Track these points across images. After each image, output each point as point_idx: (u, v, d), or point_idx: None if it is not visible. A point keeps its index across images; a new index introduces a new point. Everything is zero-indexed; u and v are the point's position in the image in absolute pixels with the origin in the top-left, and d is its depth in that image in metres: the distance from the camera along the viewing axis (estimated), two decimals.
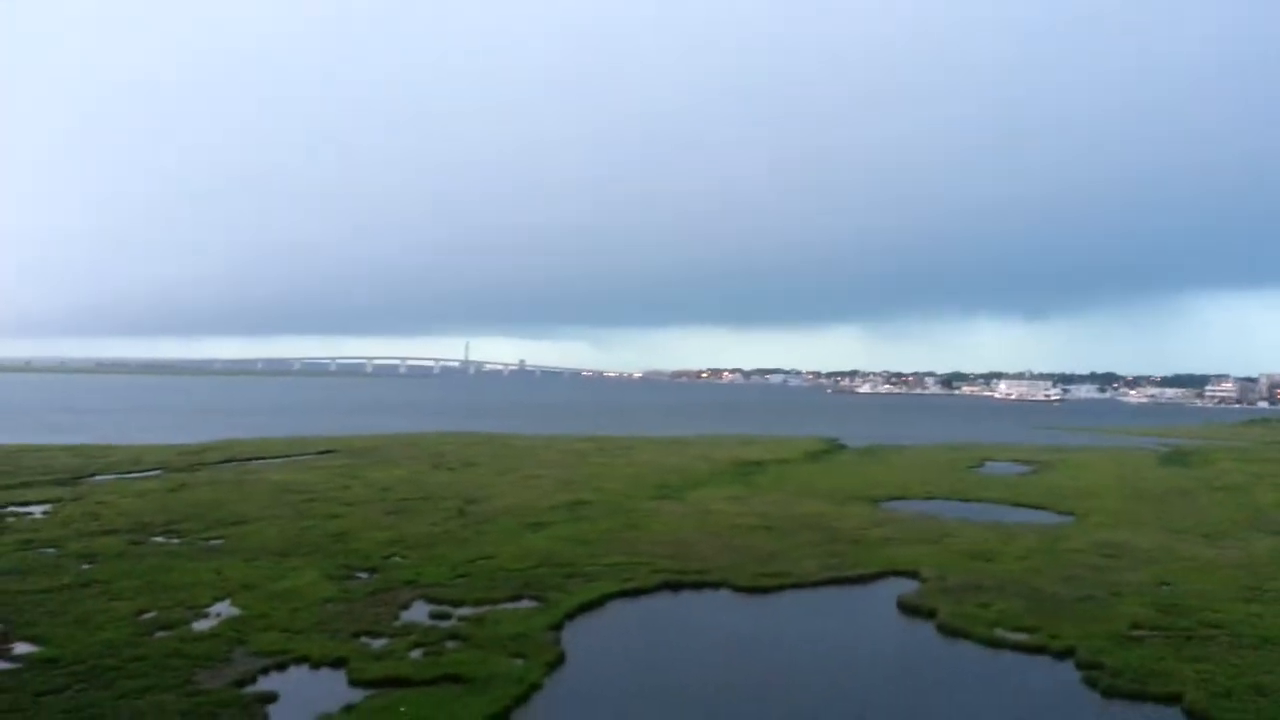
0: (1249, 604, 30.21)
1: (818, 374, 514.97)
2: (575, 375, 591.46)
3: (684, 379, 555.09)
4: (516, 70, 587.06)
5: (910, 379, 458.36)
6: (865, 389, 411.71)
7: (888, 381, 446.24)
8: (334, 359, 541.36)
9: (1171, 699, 21.90)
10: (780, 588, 32.24)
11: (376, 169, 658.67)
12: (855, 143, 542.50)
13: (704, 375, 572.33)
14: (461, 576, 31.98)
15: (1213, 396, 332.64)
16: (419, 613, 27.87)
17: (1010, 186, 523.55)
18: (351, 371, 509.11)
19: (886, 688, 23.18)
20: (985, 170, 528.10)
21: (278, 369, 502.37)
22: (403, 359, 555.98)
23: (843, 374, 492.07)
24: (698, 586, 32.37)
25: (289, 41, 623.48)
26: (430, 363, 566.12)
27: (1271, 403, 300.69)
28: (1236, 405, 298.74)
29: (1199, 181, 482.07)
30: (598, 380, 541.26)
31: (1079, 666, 24.23)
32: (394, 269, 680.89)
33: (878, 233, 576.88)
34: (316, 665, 23.40)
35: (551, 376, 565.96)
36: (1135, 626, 27.37)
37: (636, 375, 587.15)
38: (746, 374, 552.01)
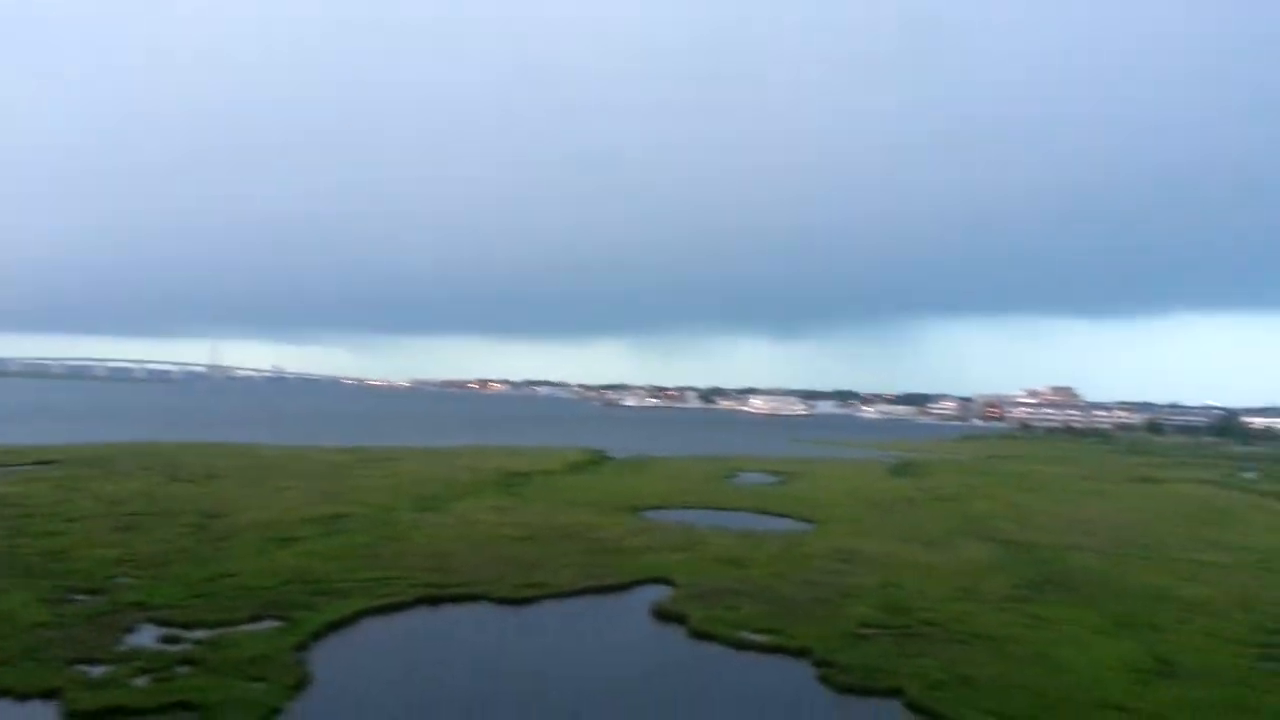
0: (961, 603, 33.50)
1: (586, 387, 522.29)
2: (335, 383, 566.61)
3: (452, 389, 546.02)
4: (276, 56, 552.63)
5: (673, 393, 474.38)
6: (631, 402, 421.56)
7: (653, 395, 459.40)
8: (59, 359, 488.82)
9: (894, 692, 23.90)
10: (540, 598, 32.39)
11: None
12: (625, 148, 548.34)
13: (472, 386, 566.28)
14: (198, 596, 29.79)
15: (935, 414, 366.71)
16: (147, 636, 25.67)
17: (761, 214, 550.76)
18: (79, 374, 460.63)
19: (637, 691, 23.88)
20: (740, 196, 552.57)
21: None
22: (140, 362, 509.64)
23: (610, 387, 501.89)
24: (457, 600, 31.91)
25: None
26: (172, 366, 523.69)
27: (984, 420, 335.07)
28: (956, 422, 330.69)
29: (926, 218, 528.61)
30: (360, 389, 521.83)
31: (814, 664, 25.98)
32: (128, 261, 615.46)
33: (643, 247, 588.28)
34: (23, 698, 21.07)
35: (309, 384, 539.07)
36: (864, 626, 29.68)
37: (403, 384, 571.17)
38: (515, 385, 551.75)
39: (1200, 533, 55.00)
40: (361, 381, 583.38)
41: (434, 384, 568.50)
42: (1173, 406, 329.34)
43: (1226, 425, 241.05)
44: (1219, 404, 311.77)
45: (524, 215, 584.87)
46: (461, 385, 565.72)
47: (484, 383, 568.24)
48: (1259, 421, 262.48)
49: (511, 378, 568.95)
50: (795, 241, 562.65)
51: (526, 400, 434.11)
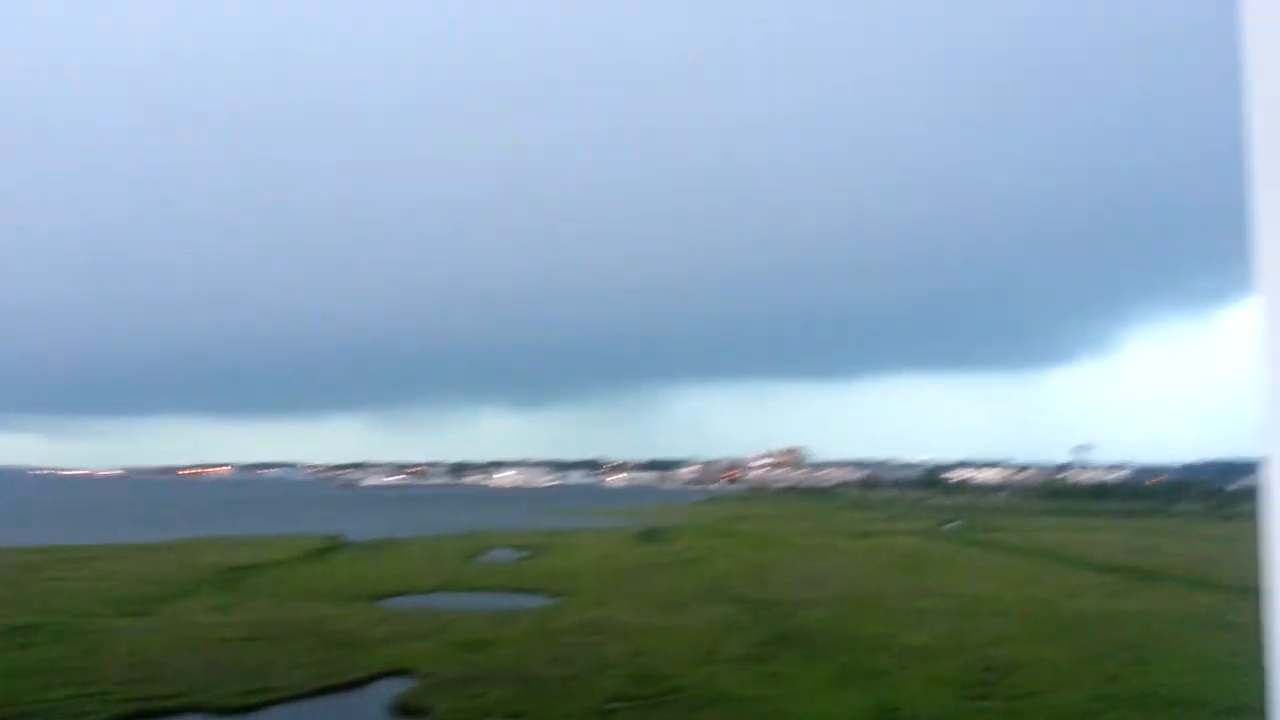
0: (705, 666, 34.14)
1: (321, 467, 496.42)
2: (29, 475, 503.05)
3: (168, 477, 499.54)
4: None
5: (418, 469, 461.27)
6: (372, 481, 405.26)
7: (395, 472, 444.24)
8: None
9: None
10: (264, 704, 29.64)
11: None
12: (350, 206, 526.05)
13: (193, 472, 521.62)
14: None
15: (680, 479, 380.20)
16: None
17: (501, 279, 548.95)
18: None
19: None
20: (476, 259, 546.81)
21: None
22: None
23: (348, 466, 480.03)
24: (168, 714, 28.57)
25: None
26: None
27: (724, 483, 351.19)
28: (697, 486, 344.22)
29: (666, 288, 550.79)
30: (55, 480, 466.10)
31: None
32: None
33: (373, 316, 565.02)
34: None
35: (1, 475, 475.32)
36: (612, 700, 29.45)
37: (110, 473, 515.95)
38: (241, 469, 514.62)
39: (915, 581, 59.72)
40: (60, 471, 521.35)
41: (147, 471, 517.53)
42: (885, 463, 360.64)
43: (932, 479, 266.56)
44: (924, 459, 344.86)
45: (237, 280, 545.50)
46: (179, 472, 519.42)
47: (205, 468, 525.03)
48: (959, 474, 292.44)
49: (236, 461, 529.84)
50: (535, 307, 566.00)
51: (254, 485, 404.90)
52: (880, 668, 34.08)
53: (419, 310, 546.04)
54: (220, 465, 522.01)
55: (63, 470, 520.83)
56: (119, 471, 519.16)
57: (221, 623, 42.95)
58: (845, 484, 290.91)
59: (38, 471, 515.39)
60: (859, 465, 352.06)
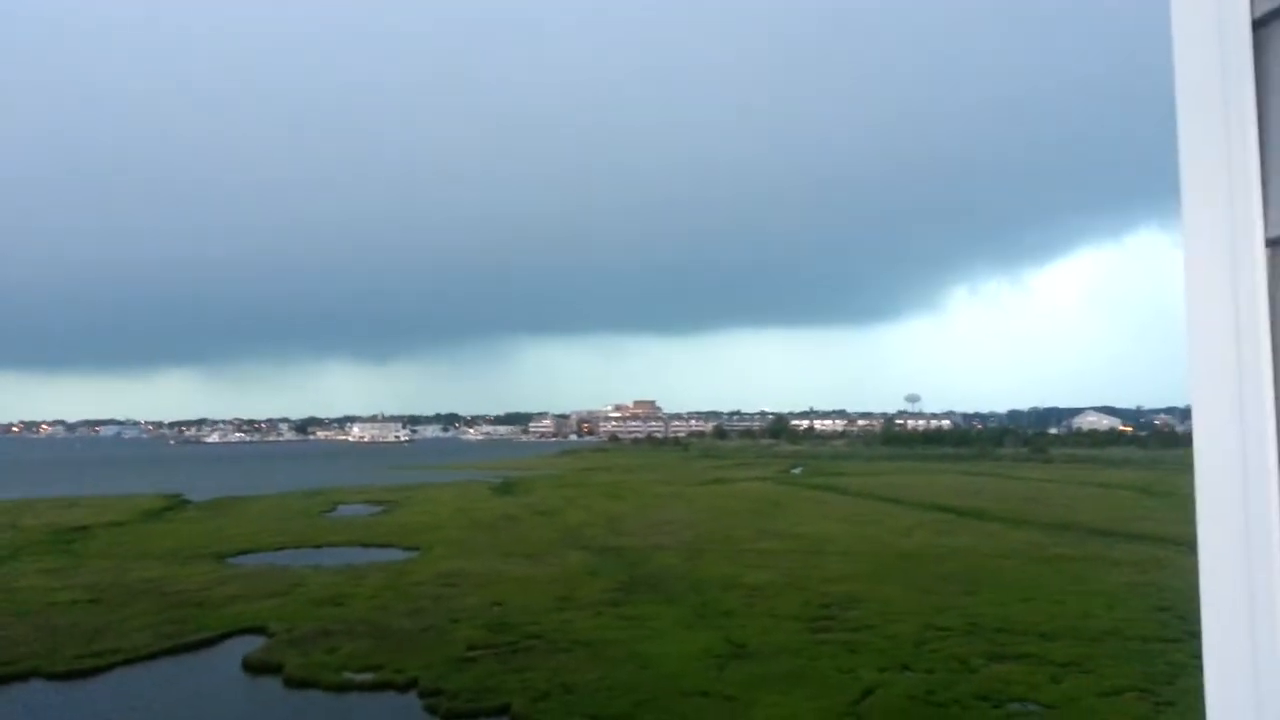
0: (561, 613, 34.98)
1: (159, 424, 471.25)
2: None
3: None
4: None
5: (264, 425, 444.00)
6: (214, 438, 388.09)
7: (239, 429, 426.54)
8: None
9: (501, 710, 24.34)
10: (107, 667, 28.65)
11: None
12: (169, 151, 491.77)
13: (16, 429, 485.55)
14: None
15: (536, 432, 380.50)
16: None
17: (344, 229, 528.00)
18: None
19: None
20: (319, 206, 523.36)
21: None
22: None
23: (188, 423, 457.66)
24: (2, 680, 27.24)
25: None
26: None
27: (579, 436, 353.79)
28: (554, 439, 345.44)
29: (515, 243, 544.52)
30: None
31: (421, 695, 25.69)
32: None
33: (208, 265, 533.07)
34: None
35: None
36: (471, 648, 29.91)
37: None
38: (70, 427, 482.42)
39: (761, 525, 62.39)
40: None
41: None
42: (735, 414, 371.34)
43: (778, 428, 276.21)
44: (771, 410, 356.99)
45: (60, 224, 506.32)
46: (5, 430, 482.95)
47: (32, 425, 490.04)
48: (802, 424, 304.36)
49: (66, 418, 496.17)
50: (383, 257, 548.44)
51: (87, 443, 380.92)
52: (728, 607, 35.76)
53: (259, 260, 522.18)
54: (48, 422, 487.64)
55: None
56: None
57: (55, 586, 40.95)
58: (696, 434, 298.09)
59: None
60: (709, 416, 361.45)
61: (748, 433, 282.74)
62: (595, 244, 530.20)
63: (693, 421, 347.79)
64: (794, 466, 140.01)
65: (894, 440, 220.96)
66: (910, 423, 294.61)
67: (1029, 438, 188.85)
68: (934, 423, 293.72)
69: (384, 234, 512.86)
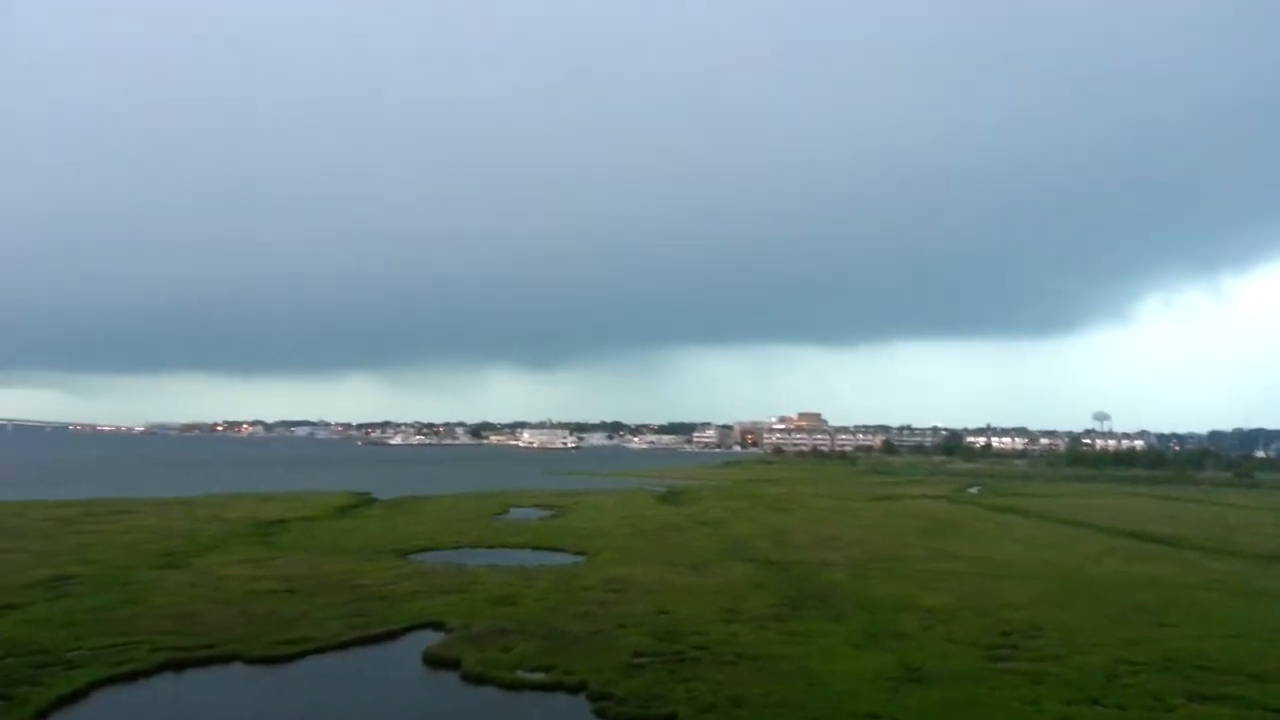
0: (727, 625, 34.71)
1: (348, 426, 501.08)
2: (60, 430, 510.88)
3: (196, 433, 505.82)
4: None
5: (441, 429, 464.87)
6: (397, 440, 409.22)
7: (419, 432, 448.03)
8: None
9: (668, 718, 24.32)
10: (301, 654, 30.45)
11: None
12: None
13: (221, 428, 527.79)
14: None
15: (699, 442, 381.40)
16: None
17: (517, 240, 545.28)
18: None
19: None
20: (491, 220, 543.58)
21: None
22: None
23: (373, 425, 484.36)
24: (206, 663, 29.37)
25: None
26: None
27: (743, 447, 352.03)
28: (717, 449, 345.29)
29: (677, 250, 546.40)
30: (91, 436, 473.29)
31: (590, 698, 25.99)
32: None
33: (382, 277, 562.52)
34: None
35: (28, 431, 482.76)
36: (638, 655, 30.07)
37: (138, 429, 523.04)
38: (269, 427, 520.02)
39: (935, 544, 60.10)
40: (91, 427, 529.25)
41: (174, 427, 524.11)
42: (905, 428, 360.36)
43: (952, 445, 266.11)
44: (944, 425, 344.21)
45: (252, 243, 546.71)
46: (207, 428, 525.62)
47: (234, 425, 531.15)
48: (979, 441, 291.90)
49: (265, 419, 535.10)
50: (553, 270, 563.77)
51: (282, 442, 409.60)
52: (901, 629, 34.53)
53: (424, 270, 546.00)
54: (248, 422, 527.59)
55: (88, 426, 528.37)
56: (142, 428, 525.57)
57: (253, 575, 43.94)
58: (864, 449, 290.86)
59: (74, 427, 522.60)
60: (878, 430, 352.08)
61: (919, 448, 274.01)
62: (755, 249, 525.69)
63: (860, 435, 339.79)
64: (970, 485, 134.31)
65: (1080, 460, 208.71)
66: (1098, 442, 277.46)
67: (1232, 461, 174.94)
68: (1125, 443, 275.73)
69: (547, 245, 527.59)
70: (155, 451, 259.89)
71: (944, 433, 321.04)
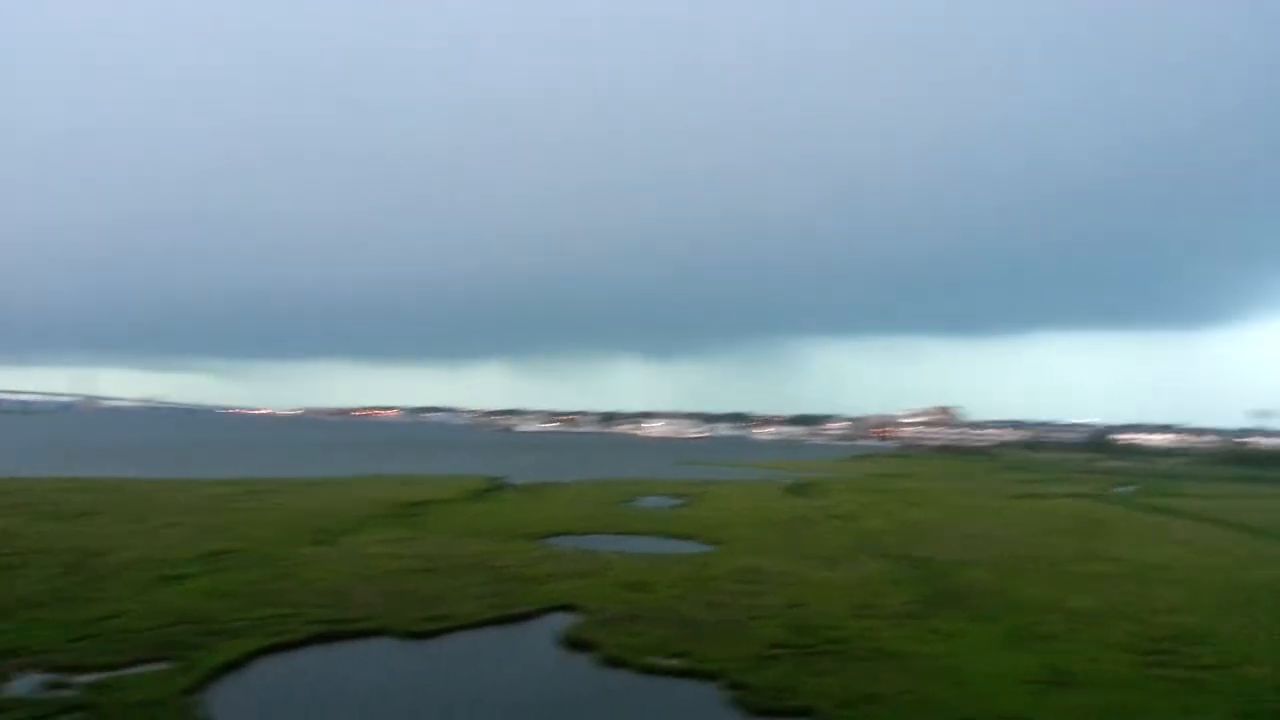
0: (863, 620, 34.03)
1: (480, 412, 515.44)
2: (217, 413, 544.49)
3: (341, 417, 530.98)
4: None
5: (569, 417, 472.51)
6: (527, 427, 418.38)
7: (548, 420, 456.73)
8: None
9: (804, 712, 24.03)
10: (442, 631, 31.52)
11: None
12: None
13: (363, 413, 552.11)
14: (80, 640, 27.93)
15: (827, 434, 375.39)
16: (29, 684, 23.92)
17: (635, 225, 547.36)
18: None
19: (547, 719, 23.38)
20: (615, 212, 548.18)
21: None
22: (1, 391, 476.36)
23: (505, 412, 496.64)
24: (354, 636, 30.74)
25: None
26: (36, 397, 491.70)
27: (873, 440, 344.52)
28: (846, 442, 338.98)
29: (803, 239, 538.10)
30: (244, 418, 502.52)
31: (724, 687, 25.93)
32: None
33: (513, 269, 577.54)
34: None
35: (190, 414, 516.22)
36: (772, 646, 29.82)
37: (289, 413, 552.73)
38: (407, 412, 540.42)
39: (1083, 545, 57.40)
40: (245, 411, 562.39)
41: (322, 412, 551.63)
42: (1046, 424, 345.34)
43: (1098, 441, 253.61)
44: (1089, 421, 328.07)
45: (395, 234, 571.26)
46: (351, 413, 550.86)
47: (375, 410, 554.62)
48: (1126, 437, 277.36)
49: (403, 404, 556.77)
50: (679, 259, 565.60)
51: (420, 427, 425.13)
52: (1048, 630, 33.13)
53: (568, 263, 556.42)
54: (388, 407, 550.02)
55: (244, 410, 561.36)
56: (296, 411, 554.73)
57: (397, 554, 45.70)
58: (1005, 444, 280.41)
59: (229, 410, 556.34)
60: (1017, 425, 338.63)
61: (1062, 445, 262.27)
62: (881, 237, 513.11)
63: (998, 430, 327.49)
64: (1119, 484, 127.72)
65: (1240, 460, 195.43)
66: (1260, 441, 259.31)
67: None
68: None
69: (674, 237, 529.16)
70: (304, 435, 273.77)
71: (1088, 429, 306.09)
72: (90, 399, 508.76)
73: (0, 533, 48.27)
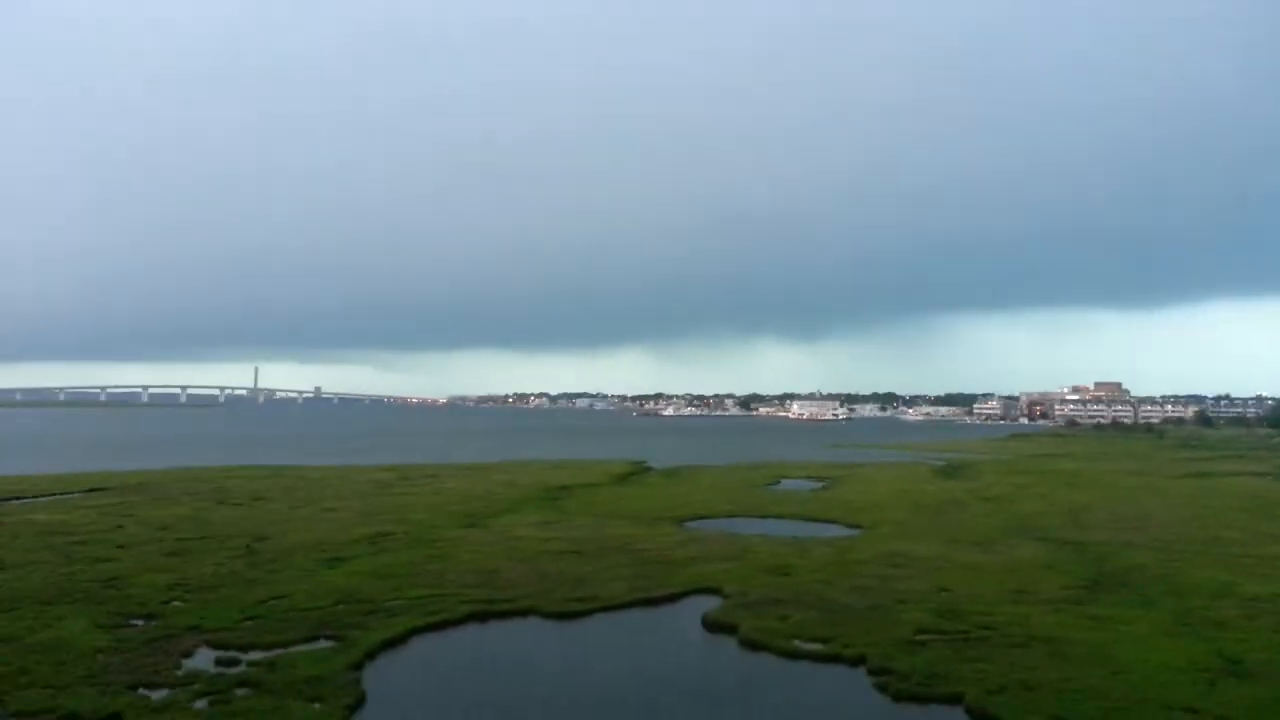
0: (1016, 605, 32.87)
1: (623, 397, 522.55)
2: (376, 402, 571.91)
3: (490, 404, 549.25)
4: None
5: (711, 401, 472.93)
6: (669, 411, 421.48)
7: (690, 404, 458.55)
8: (104, 388, 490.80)
9: (954, 699, 23.46)
10: (589, 611, 32.30)
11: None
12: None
13: (511, 400, 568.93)
14: (251, 619, 30.06)
15: (980, 414, 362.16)
16: (204, 660, 25.94)
17: (772, 203, 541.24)
18: (124, 401, 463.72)
19: (694, 703, 23.69)
20: (749, 193, 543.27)
21: (39, 399, 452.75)
22: (183, 387, 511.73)
23: (647, 397, 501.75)
24: (506, 615, 31.88)
25: None
26: (215, 391, 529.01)
27: (1030, 419, 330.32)
28: (1001, 422, 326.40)
29: (953, 206, 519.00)
30: (401, 407, 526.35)
31: (870, 672, 25.58)
32: (169, 286, 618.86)
33: (658, 256, 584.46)
34: None
35: (350, 404, 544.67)
36: (919, 632, 29.18)
37: (441, 401, 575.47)
38: (554, 399, 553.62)
39: (1259, 527, 53.64)
40: (401, 399, 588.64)
41: (472, 399, 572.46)
42: (1222, 398, 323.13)
43: (1279, 416, 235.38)
44: (1270, 394, 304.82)
45: (536, 228, 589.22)
46: (500, 400, 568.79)
47: (522, 397, 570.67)
48: None
49: (549, 391, 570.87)
50: (816, 237, 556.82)
51: (566, 413, 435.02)
52: (1219, 617, 31.17)
53: (685, 242, 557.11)
54: (535, 394, 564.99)
55: (399, 398, 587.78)
56: (445, 399, 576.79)
57: (545, 536, 47.03)
58: (1173, 421, 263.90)
59: (386, 399, 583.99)
60: (1189, 400, 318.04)
61: (1239, 420, 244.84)
62: (1037, 205, 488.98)
63: (1168, 406, 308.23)
64: None
65: None
66: None
67: None
68: None
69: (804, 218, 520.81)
70: (455, 422, 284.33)
71: (1269, 402, 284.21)
72: (262, 391, 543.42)
73: (180, 519, 52.33)
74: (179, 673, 24.61)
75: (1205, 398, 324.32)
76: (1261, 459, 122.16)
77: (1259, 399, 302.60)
